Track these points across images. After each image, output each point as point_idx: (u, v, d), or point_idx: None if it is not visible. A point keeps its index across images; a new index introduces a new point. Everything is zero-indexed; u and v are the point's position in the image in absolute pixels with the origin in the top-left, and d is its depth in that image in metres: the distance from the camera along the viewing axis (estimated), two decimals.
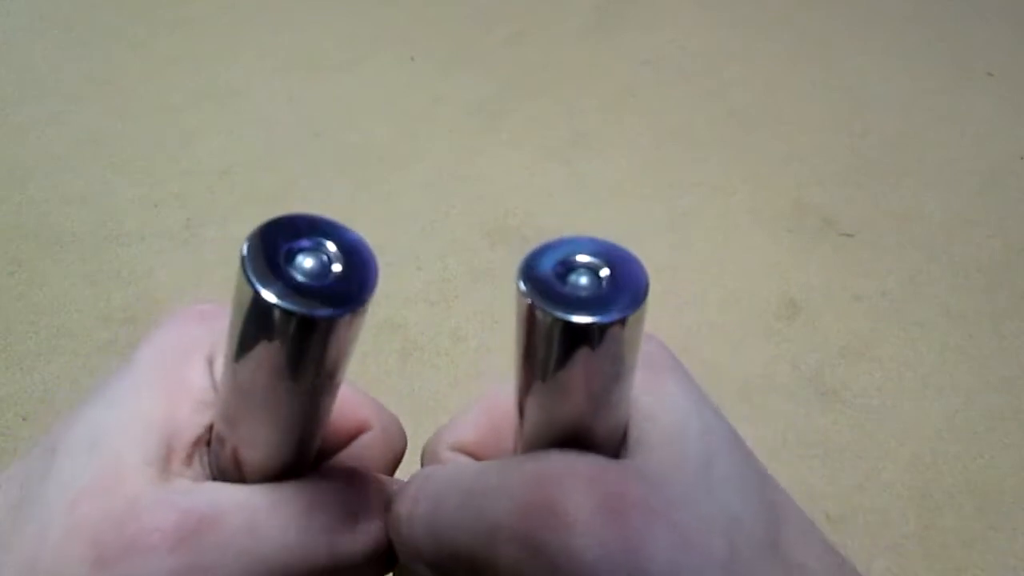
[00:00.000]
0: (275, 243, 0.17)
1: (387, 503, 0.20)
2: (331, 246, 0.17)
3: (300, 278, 0.16)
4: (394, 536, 0.20)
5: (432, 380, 0.94)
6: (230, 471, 0.20)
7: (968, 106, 1.39)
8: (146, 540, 0.17)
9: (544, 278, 0.17)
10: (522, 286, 0.17)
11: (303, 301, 0.16)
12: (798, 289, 1.06)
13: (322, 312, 0.16)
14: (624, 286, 0.17)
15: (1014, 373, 0.97)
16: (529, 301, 0.17)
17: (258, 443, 0.19)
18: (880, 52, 1.52)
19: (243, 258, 0.16)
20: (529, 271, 0.18)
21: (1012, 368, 0.98)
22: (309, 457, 0.20)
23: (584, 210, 1.17)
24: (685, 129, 1.32)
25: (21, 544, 0.17)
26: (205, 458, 0.20)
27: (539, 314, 0.17)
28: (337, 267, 0.17)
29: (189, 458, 0.19)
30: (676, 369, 0.21)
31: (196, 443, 0.20)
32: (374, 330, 0.99)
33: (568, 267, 0.18)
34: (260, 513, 0.18)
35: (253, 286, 0.16)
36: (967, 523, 0.83)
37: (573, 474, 0.17)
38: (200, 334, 0.21)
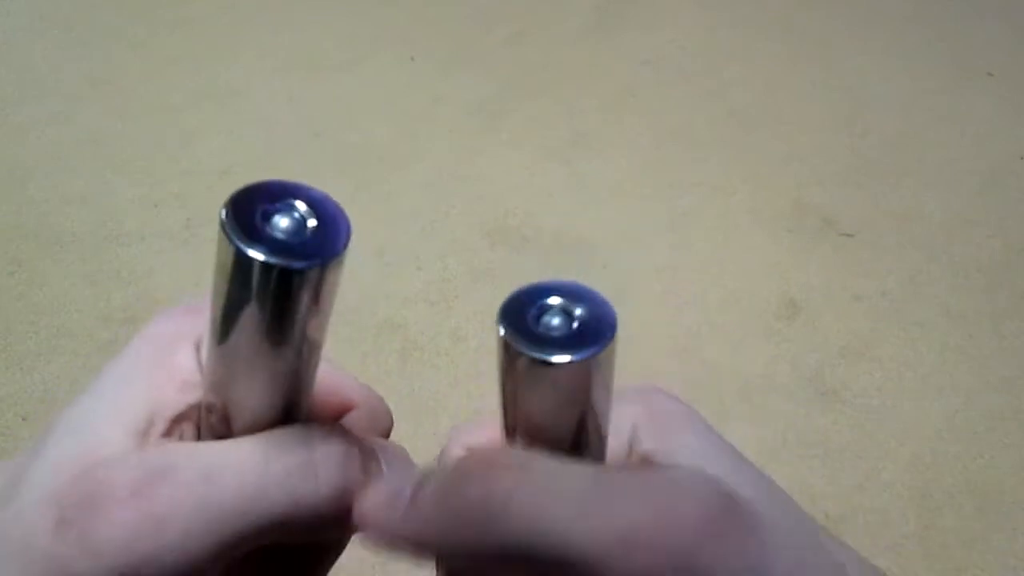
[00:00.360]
0: (251, 206, 0.18)
1: (369, 463, 0.20)
2: (302, 205, 0.18)
3: (278, 235, 0.17)
4: (447, 515, 0.19)
5: (432, 380, 0.94)
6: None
7: (968, 106, 1.39)
8: (104, 495, 0.17)
9: (520, 319, 0.19)
10: (501, 330, 0.19)
11: (283, 255, 0.17)
12: (798, 289, 1.06)
13: (301, 263, 0.17)
14: (595, 327, 0.19)
15: (1014, 373, 0.97)
16: (506, 341, 0.18)
17: (244, 407, 0.20)
18: (880, 52, 1.52)
19: (222, 221, 0.17)
20: (506, 314, 0.19)
21: (1012, 368, 0.98)
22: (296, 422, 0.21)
23: (584, 210, 1.17)
24: (685, 129, 1.32)
25: (3, 523, 0.18)
26: (188, 434, 0.20)
27: (515, 354, 0.18)
28: (311, 223, 0.18)
29: (169, 433, 0.20)
30: (698, 428, 0.22)
31: (178, 419, 0.20)
32: (374, 330, 0.99)
33: (542, 309, 0.19)
34: (215, 459, 0.19)
35: (235, 244, 0.17)
36: (967, 523, 0.83)
37: (714, 490, 0.18)
38: (188, 324, 0.22)
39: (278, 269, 0.17)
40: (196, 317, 0.22)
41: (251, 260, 0.17)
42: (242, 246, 0.17)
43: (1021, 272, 1.10)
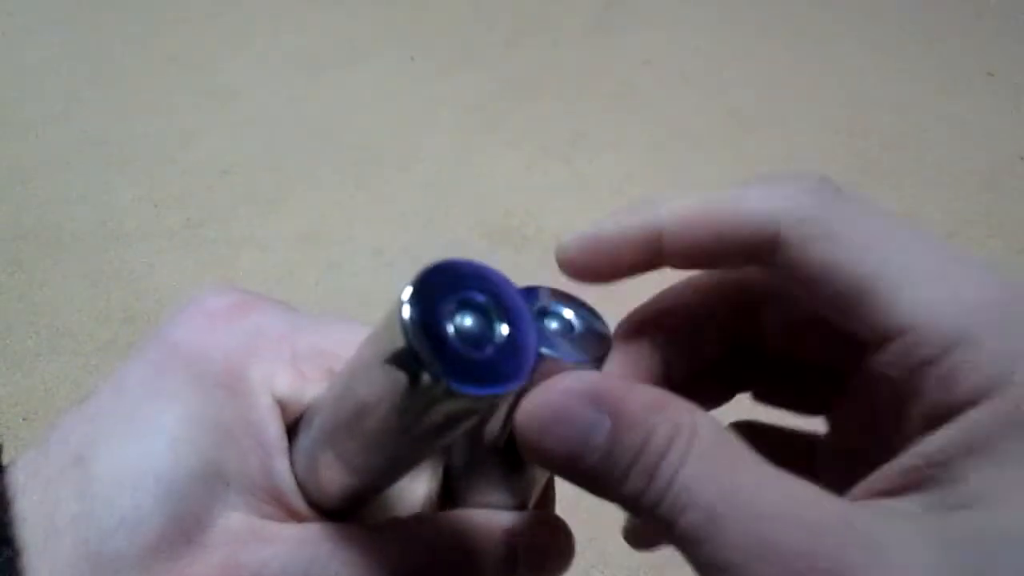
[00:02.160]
0: (441, 292, 0.15)
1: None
2: (497, 310, 0.16)
3: (459, 341, 0.15)
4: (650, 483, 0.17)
5: None
6: (309, 487, 0.20)
7: (968, 106, 1.39)
8: None
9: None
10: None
11: (464, 372, 0.15)
12: None
13: (480, 390, 0.15)
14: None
15: None
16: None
17: (354, 471, 0.19)
18: (880, 52, 1.52)
19: (404, 317, 0.15)
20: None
21: None
22: (380, 494, 0.20)
23: (584, 210, 1.17)
24: (685, 129, 1.32)
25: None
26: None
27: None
28: (500, 334, 0.16)
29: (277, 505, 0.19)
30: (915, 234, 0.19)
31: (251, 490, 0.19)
32: None
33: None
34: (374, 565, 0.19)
35: (413, 349, 0.15)
36: None
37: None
38: (240, 346, 0.20)
39: (446, 388, 0.15)
40: (240, 328, 0.20)
41: (421, 368, 0.15)
42: (426, 357, 0.14)
43: (1022, 272, 1.10)
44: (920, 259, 0.18)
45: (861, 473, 0.18)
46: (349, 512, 0.20)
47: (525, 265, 1.07)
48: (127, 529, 0.17)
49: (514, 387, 0.15)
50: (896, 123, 1.36)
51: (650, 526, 0.17)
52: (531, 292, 0.20)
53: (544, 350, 0.18)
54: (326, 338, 0.21)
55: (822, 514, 0.15)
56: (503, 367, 0.15)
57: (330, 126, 1.31)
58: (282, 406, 0.20)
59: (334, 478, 0.19)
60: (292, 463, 0.20)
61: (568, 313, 0.20)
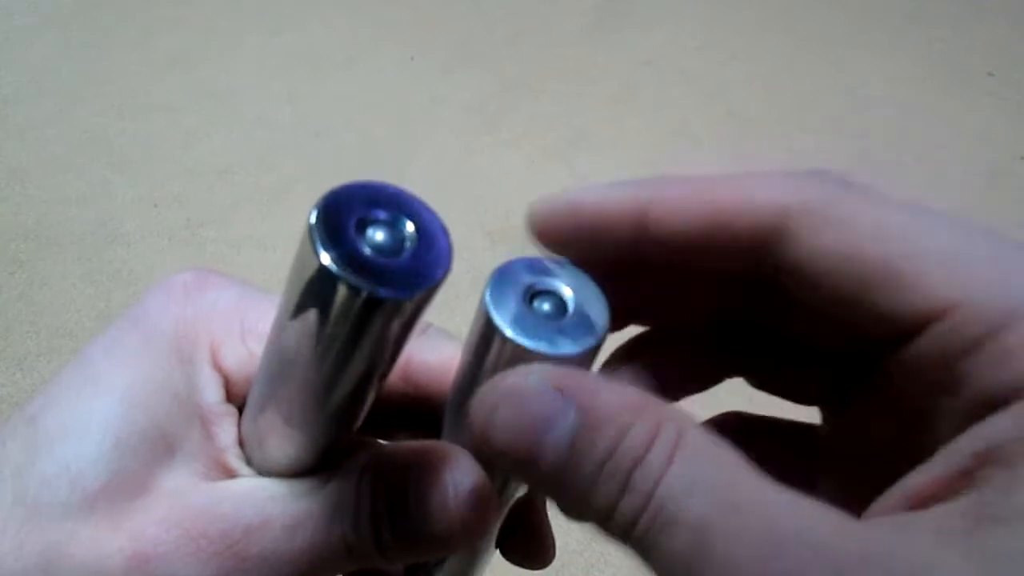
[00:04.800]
0: (346, 211, 0.16)
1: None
2: (407, 223, 0.16)
3: (370, 251, 0.15)
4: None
5: None
6: (259, 451, 0.20)
7: (968, 106, 1.39)
8: (192, 548, 0.18)
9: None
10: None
11: (372, 278, 0.15)
12: None
13: (391, 292, 0.15)
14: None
15: None
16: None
17: (292, 423, 0.18)
18: (880, 52, 1.52)
19: (311, 226, 0.15)
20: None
21: None
22: (342, 440, 0.20)
23: None
24: (685, 129, 1.32)
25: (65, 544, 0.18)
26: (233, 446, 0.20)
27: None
28: (409, 244, 0.16)
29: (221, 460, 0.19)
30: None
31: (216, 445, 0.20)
32: None
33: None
34: (303, 518, 0.18)
35: (318, 256, 0.15)
36: None
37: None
38: (192, 319, 0.20)
39: (365, 295, 0.15)
40: (195, 303, 0.21)
41: (335, 278, 0.15)
42: (328, 263, 0.15)
43: None
44: (954, 239, 0.15)
45: (877, 477, 0.15)
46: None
47: None
48: (69, 477, 0.17)
49: (431, 283, 0.15)
50: (896, 123, 1.36)
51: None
52: (524, 264, 0.18)
53: (522, 340, 0.17)
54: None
55: (849, 545, 0.13)
56: (419, 265, 0.15)
57: (330, 126, 1.31)
58: (228, 379, 0.20)
59: (278, 441, 0.19)
60: (241, 437, 0.20)
61: (564, 290, 0.18)
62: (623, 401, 0.15)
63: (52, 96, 1.35)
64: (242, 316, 0.21)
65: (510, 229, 1.13)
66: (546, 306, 0.18)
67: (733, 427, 0.22)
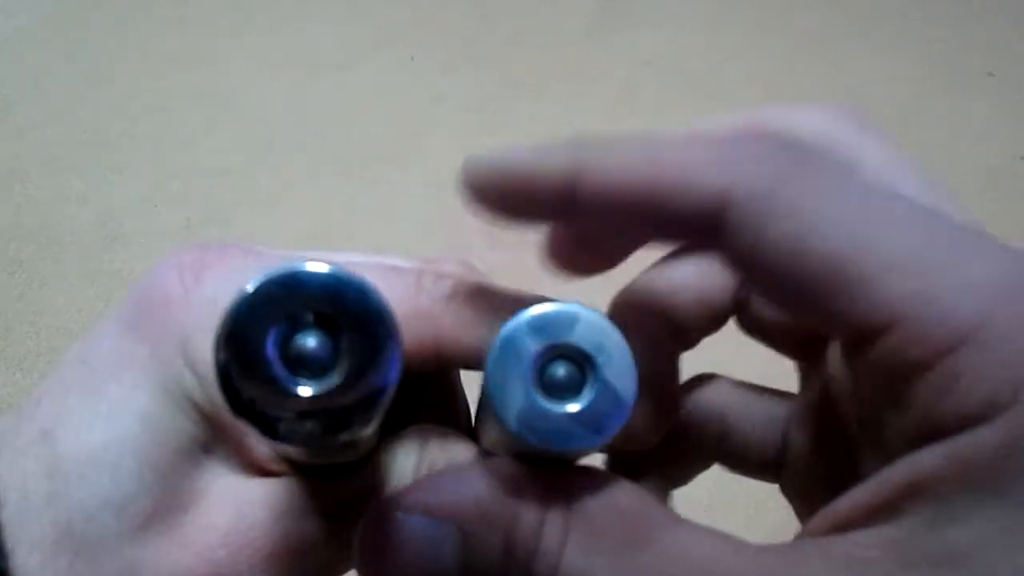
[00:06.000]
0: (262, 323, 0.14)
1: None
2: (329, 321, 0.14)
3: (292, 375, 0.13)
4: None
5: None
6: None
7: (968, 106, 1.39)
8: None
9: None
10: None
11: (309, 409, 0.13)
12: None
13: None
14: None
15: None
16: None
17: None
18: (880, 52, 1.52)
19: (220, 364, 0.13)
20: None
21: None
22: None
23: None
24: (685, 129, 1.32)
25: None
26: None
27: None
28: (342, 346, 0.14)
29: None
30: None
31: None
32: None
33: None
34: (290, 521, 0.18)
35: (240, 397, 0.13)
36: None
37: None
38: (197, 320, 0.19)
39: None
40: (216, 305, 0.20)
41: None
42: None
43: None
44: (912, 238, 0.13)
45: (832, 476, 0.15)
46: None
47: (525, 266, 1.07)
48: (114, 510, 0.17)
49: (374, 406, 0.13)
50: (896, 123, 1.36)
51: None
52: (530, 326, 0.15)
53: (530, 440, 0.15)
54: None
55: (746, 570, 0.13)
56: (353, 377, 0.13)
57: (330, 126, 1.31)
58: None
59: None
60: None
61: (580, 352, 0.15)
62: (497, 492, 0.14)
63: (52, 96, 1.35)
64: None
65: (510, 229, 1.13)
66: (560, 373, 0.15)
67: (710, 391, 0.22)
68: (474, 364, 0.19)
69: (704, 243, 0.15)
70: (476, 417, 0.21)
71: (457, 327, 0.19)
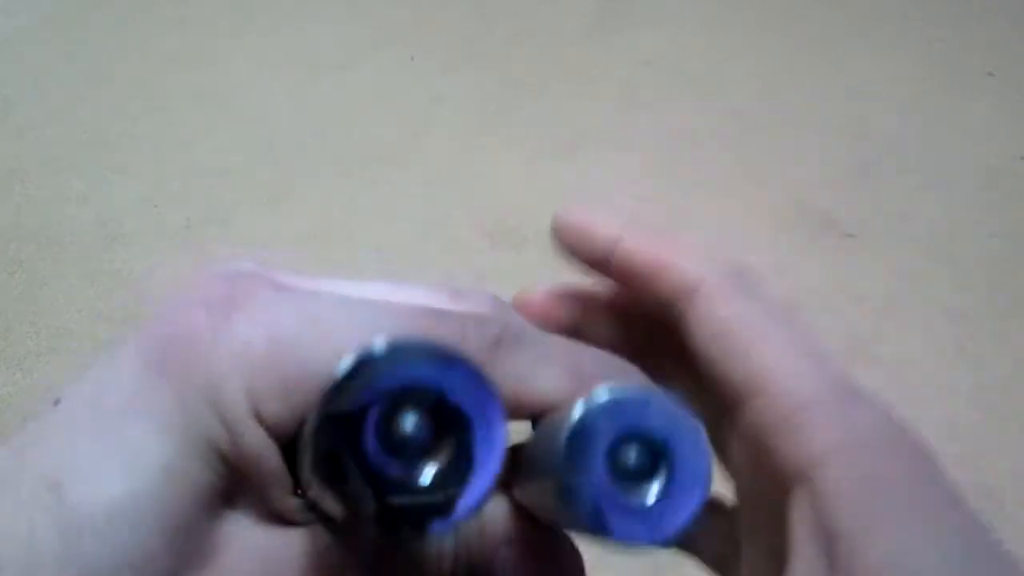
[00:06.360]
0: (366, 396, 0.13)
1: None
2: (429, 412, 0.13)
3: (388, 457, 0.13)
4: None
5: None
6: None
7: (969, 106, 1.39)
8: None
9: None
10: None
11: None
12: (799, 289, 1.06)
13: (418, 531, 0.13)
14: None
15: (1015, 374, 0.97)
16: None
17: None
18: (881, 52, 1.52)
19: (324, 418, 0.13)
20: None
21: (1013, 369, 0.98)
22: None
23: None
24: (685, 129, 1.32)
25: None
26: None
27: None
28: (439, 448, 0.13)
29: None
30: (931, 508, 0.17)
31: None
32: None
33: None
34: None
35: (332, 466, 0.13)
36: None
37: None
38: (226, 370, 0.18)
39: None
40: (249, 352, 0.18)
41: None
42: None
43: (1022, 272, 1.10)
44: (777, 335, 0.19)
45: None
46: None
47: (525, 265, 1.07)
48: (133, 569, 0.16)
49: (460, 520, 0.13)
50: (896, 123, 1.36)
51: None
52: (605, 410, 0.15)
53: (606, 530, 0.14)
54: (323, 347, 0.19)
55: None
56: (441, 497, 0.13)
57: (330, 126, 1.31)
58: (272, 431, 0.18)
59: None
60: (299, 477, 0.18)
61: (654, 438, 0.15)
62: None
63: (52, 96, 1.35)
64: (281, 365, 0.18)
65: (510, 229, 1.13)
66: (633, 458, 0.15)
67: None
68: (516, 415, 0.19)
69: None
70: (513, 467, 0.20)
71: (504, 378, 0.19)
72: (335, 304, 0.19)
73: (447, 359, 0.13)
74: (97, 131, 1.28)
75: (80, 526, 0.16)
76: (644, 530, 0.14)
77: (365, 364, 0.13)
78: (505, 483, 0.20)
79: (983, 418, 0.92)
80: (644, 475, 0.15)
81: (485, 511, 0.18)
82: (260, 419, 0.18)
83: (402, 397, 0.13)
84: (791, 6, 1.64)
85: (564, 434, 0.14)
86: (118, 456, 0.17)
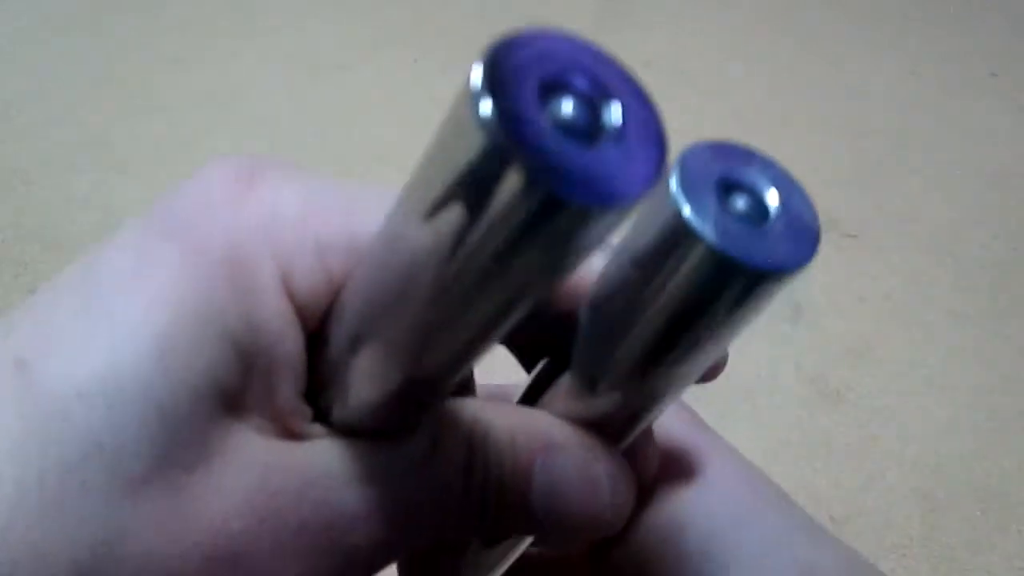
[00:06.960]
0: (525, 72, 0.11)
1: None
2: (612, 103, 0.11)
3: (560, 134, 0.10)
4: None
5: None
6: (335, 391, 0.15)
7: (971, 107, 1.39)
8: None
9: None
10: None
11: (558, 171, 0.10)
12: (801, 290, 1.06)
13: (583, 195, 0.10)
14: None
15: (1019, 373, 0.97)
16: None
17: (393, 368, 0.14)
18: (883, 52, 1.52)
19: (474, 87, 0.10)
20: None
21: (1017, 369, 0.97)
22: (446, 391, 0.16)
23: None
24: (686, 130, 1.32)
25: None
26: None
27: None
28: (610, 131, 0.11)
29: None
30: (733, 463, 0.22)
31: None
32: None
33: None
34: (410, 499, 0.16)
35: (493, 139, 0.10)
36: (972, 525, 0.83)
37: None
38: (248, 233, 0.15)
39: (543, 194, 0.10)
40: (278, 214, 0.15)
41: (504, 163, 0.11)
42: (520, 155, 0.10)
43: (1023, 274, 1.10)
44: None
45: None
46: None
47: None
48: (104, 461, 0.13)
49: (647, 188, 0.11)
50: (897, 123, 1.35)
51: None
52: (711, 150, 0.14)
53: (730, 251, 0.13)
54: (362, 217, 0.16)
55: None
56: (622, 163, 0.11)
57: (332, 127, 1.31)
58: (301, 311, 0.15)
59: (374, 383, 0.15)
60: (319, 383, 0.16)
61: (763, 186, 0.14)
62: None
63: (54, 98, 1.35)
64: (316, 224, 0.16)
65: None
66: (741, 205, 0.14)
67: None
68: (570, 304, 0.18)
69: None
70: (534, 392, 0.20)
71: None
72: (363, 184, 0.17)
73: (575, 42, 0.11)
74: (99, 132, 1.28)
75: (45, 408, 0.13)
76: (775, 252, 0.13)
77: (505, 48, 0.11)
78: (535, 397, 0.20)
79: (984, 419, 0.92)
80: (758, 220, 0.14)
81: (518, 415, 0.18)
82: (288, 292, 0.15)
83: (551, 84, 0.11)
84: (791, 6, 1.64)
85: (675, 168, 0.13)
86: (100, 329, 0.14)
